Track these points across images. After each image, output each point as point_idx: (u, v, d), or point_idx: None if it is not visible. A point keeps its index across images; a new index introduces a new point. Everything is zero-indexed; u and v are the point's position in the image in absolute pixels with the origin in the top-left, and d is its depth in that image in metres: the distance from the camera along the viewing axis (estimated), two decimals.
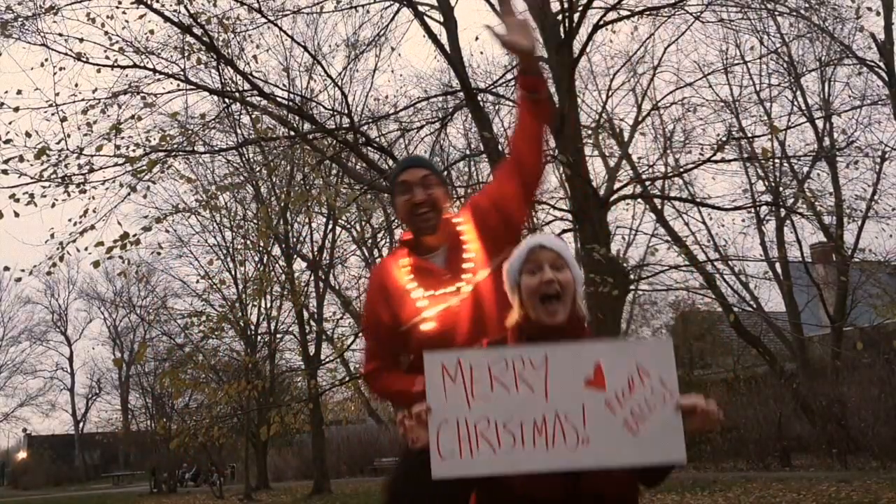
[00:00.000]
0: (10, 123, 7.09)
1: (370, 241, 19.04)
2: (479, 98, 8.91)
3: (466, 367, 1.81)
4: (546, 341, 1.85)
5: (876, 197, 14.76)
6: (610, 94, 15.06)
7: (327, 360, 18.87)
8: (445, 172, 14.55)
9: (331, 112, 9.22)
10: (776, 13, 10.99)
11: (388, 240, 19.03)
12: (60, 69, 7.38)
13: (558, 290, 1.91)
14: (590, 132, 13.80)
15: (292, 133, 7.99)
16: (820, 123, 15.82)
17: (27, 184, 6.99)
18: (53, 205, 7.15)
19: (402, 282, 2.32)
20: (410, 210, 2.33)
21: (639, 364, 1.82)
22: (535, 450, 1.78)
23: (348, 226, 19.18)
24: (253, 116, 8.26)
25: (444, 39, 8.93)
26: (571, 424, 1.78)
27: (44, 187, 7.04)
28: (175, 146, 7.66)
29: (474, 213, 2.40)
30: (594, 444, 1.78)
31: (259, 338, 20.28)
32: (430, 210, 2.31)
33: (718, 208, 11.42)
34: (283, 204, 14.77)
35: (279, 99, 7.69)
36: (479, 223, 2.37)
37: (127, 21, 7.71)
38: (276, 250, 19.22)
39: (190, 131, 7.97)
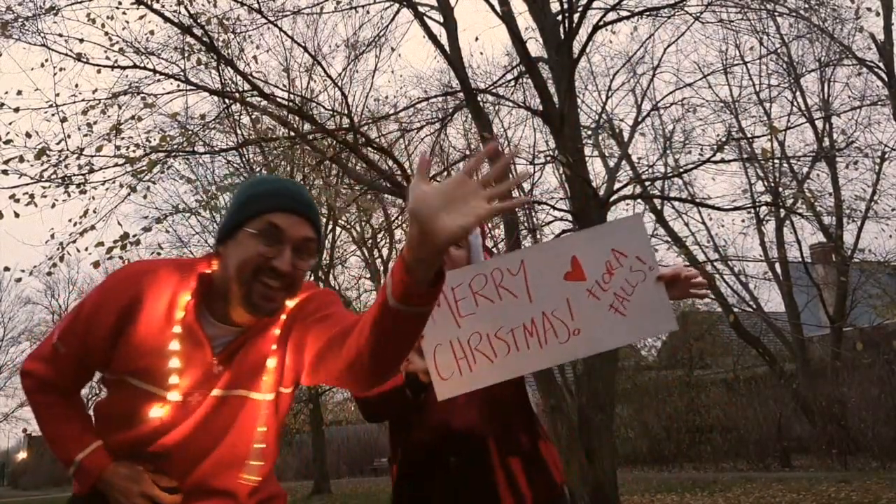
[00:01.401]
0: (10, 124, 7.13)
1: (370, 241, 19.04)
2: (478, 98, 8.92)
3: (447, 290, 1.82)
4: None
5: (875, 197, 14.77)
6: (610, 94, 15.04)
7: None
8: (445, 173, 14.58)
9: (331, 112, 9.23)
10: (776, 14, 10.99)
11: (387, 240, 19.10)
12: (61, 70, 7.40)
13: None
14: (590, 132, 13.81)
15: (292, 133, 8.00)
16: (819, 124, 15.83)
17: (27, 184, 7.01)
18: (53, 205, 7.17)
19: (160, 330, 1.57)
20: (258, 270, 1.54)
21: (613, 247, 1.87)
22: (530, 351, 1.83)
23: (348, 226, 19.19)
24: (253, 117, 8.28)
25: (443, 40, 8.94)
26: (560, 319, 1.84)
27: (44, 188, 7.06)
28: (175, 146, 7.67)
29: (300, 316, 1.64)
30: (585, 332, 1.84)
31: None
32: (284, 290, 1.57)
33: (718, 209, 11.41)
34: None
35: (279, 99, 7.69)
36: (298, 334, 1.63)
37: (127, 22, 7.74)
38: None
39: (190, 132, 7.98)
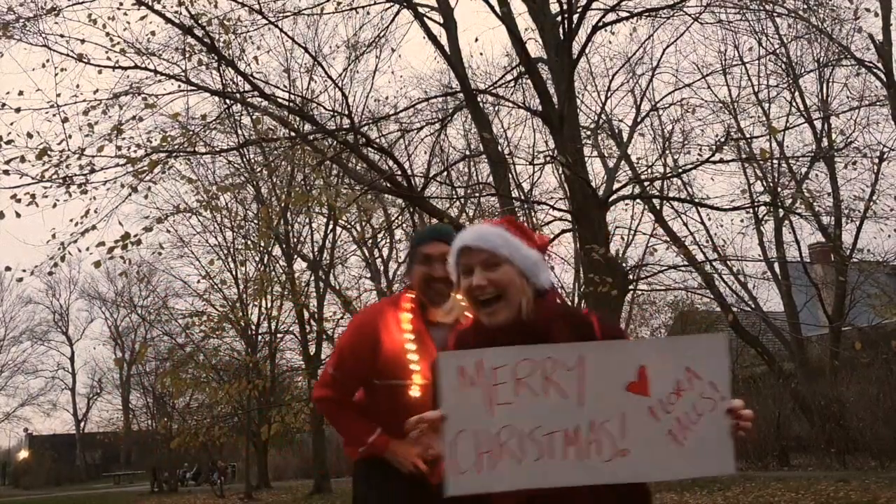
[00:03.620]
0: (11, 124, 7.14)
1: (370, 241, 19.06)
2: (478, 99, 8.95)
3: (488, 370, 1.61)
4: (504, 341, 1.70)
5: (874, 197, 14.80)
6: (609, 94, 15.08)
7: (327, 359, 18.86)
8: (445, 173, 14.60)
9: (331, 113, 9.26)
10: (774, 14, 11.03)
11: (388, 240, 19.14)
12: (62, 70, 7.42)
13: (492, 293, 1.77)
14: (589, 133, 13.85)
15: (293, 134, 8.03)
16: (818, 124, 15.85)
17: (29, 184, 7.04)
18: (55, 205, 7.19)
19: (399, 339, 2.35)
20: (426, 282, 2.34)
21: (688, 365, 1.63)
22: (566, 461, 1.59)
23: (348, 226, 19.20)
24: (254, 117, 8.31)
25: (444, 41, 8.98)
26: (609, 433, 1.60)
27: (45, 188, 7.08)
28: (176, 147, 7.70)
29: None
30: (634, 455, 1.60)
31: (259, 337, 20.29)
32: (445, 286, 2.26)
33: (717, 208, 11.46)
34: (283, 204, 14.80)
35: (280, 100, 7.73)
36: None
37: (128, 22, 7.75)
38: (277, 250, 19.30)
39: (191, 132, 8.01)
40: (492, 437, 1.59)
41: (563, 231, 11.67)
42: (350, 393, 2.46)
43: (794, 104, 16.00)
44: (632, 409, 1.61)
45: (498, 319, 1.76)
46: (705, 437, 1.62)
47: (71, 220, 7.42)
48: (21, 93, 7.29)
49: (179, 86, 7.78)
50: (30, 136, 7.11)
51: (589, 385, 1.61)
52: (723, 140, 10.84)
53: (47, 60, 7.50)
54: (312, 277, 19.22)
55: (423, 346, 2.33)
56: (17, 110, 7.18)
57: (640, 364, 1.62)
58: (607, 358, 1.64)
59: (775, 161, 14.49)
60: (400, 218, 15.57)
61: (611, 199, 9.99)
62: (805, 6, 10.36)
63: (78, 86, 7.63)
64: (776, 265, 16.79)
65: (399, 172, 8.16)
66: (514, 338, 1.69)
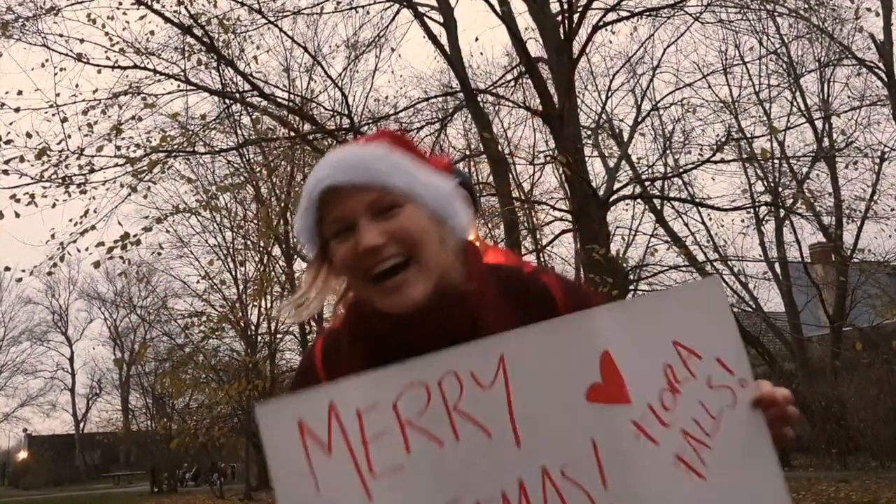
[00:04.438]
0: (10, 124, 7.14)
1: None
2: (478, 98, 8.93)
3: (347, 417, 0.93)
4: (427, 340, 0.99)
5: (875, 197, 14.77)
6: (609, 94, 15.08)
7: None
8: None
9: (331, 113, 9.24)
10: (775, 14, 11.02)
11: None
12: (61, 70, 7.42)
13: (396, 255, 1.02)
14: (589, 132, 13.84)
15: (292, 133, 8.02)
16: (819, 124, 15.83)
17: (28, 184, 7.03)
18: (54, 205, 7.18)
19: None
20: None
21: (676, 339, 0.98)
22: None
23: None
24: (253, 117, 8.29)
25: (444, 40, 8.95)
26: (577, 486, 0.93)
27: (44, 188, 7.07)
28: (175, 147, 7.69)
29: None
30: None
31: (259, 338, 20.29)
32: None
33: (718, 209, 11.46)
34: (283, 204, 14.78)
35: (279, 99, 7.71)
36: None
37: (127, 22, 7.75)
38: (277, 250, 19.26)
39: (190, 132, 7.99)
40: None
41: (564, 231, 11.65)
42: None
43: (794, 104, 15.99)
44: (606, 432, 0.94)
45: (413, 297, 1.02)
46: (734, 453, 0.96)
47: (70, 220, 7.41)
48: (20, 92, 7.28)
49: (179, 85, 7.78)
50: (29, 135, 7.11)
51: (521, 405, 0.94)
52: (724, 140, 10.85)
53: (46, 60, 7.50)
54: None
55: None
56: (17, 110, 7.17)
57: (602, 349, 0.96)
58: (542, 348, 0.96)
59: (776, 161, 14.48)
60: None
61: (611, 199, 9.97)
62: (806, 6, 10.35)
63: (77, 85, 7.63)
64: (777, 265, 16.77)
65: None
66: (442, 331, 1.01)
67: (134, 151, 7.32)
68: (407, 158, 1.07)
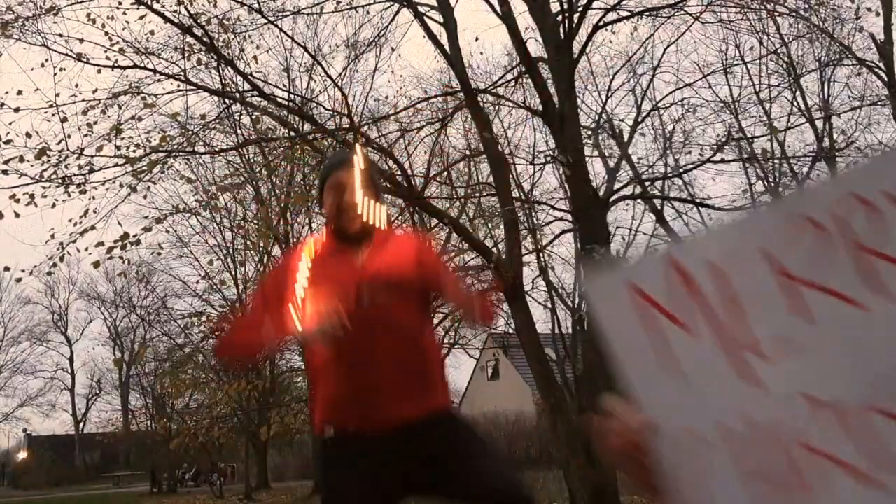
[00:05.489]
0: (10, 124, 7.11)
1: None
2: (479, 98, 8.92)
3: (703, 277, 0.71)
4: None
5: None
6: (610, 94, 15.02)
7: None
8: (445, 173, 14.57)
9: (331, 112, 9.23)
10: (776, 14, 11.00)
11: None
12: (61, 70, 7.39)
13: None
14: (589, 132, 13.81)
15: (292, 133, 8.01)
16: (819, 124, 15.81)
17: (27, 184, 7.02)
18: (54, 205, 7.17)
19: (296, 269, 2.40)
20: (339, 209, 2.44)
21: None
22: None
23: None
24: (253, 117, 8.29)
25: (443, 40, 8.93)
26: None
27: (44, 188, 7.06)
28: (175, 146, 7.68)
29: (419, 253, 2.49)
30: None
31: None
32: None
33: (718, 209, 11.41)
34: (283, 204, 14.77)
35: (279, 99, 7.70)
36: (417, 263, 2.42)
37: (127, 22, 7.72)
38: (277, 250, 19.26)
39: (190, 132, 7.98)
40: (722, 431, 0.72)
41: (564, 231, 11.65)
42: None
43: (795, 104, 15.96)
44: None
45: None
46: None
47: (70, 220, 7.40)
48: (20, 92, 7.27)
49: (178, 85, 7.76)
50: (29, 135, 7.09)
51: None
52: (724, 140, 10.84)
53: (46, 60, 7.48)
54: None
55: (323, 273, 2.32)
56: (16, 110, 7.15)
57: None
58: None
59: (776, 161, 14.47)
60: (400, 218, 15.53)
61: (612, 200, 9.96)
62: (806, 6, 10.35)
63: (77, 85, 7.61)
64: None
65: (399, 172, 8.13)
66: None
67: (134, 151, 7.32)
68: None
